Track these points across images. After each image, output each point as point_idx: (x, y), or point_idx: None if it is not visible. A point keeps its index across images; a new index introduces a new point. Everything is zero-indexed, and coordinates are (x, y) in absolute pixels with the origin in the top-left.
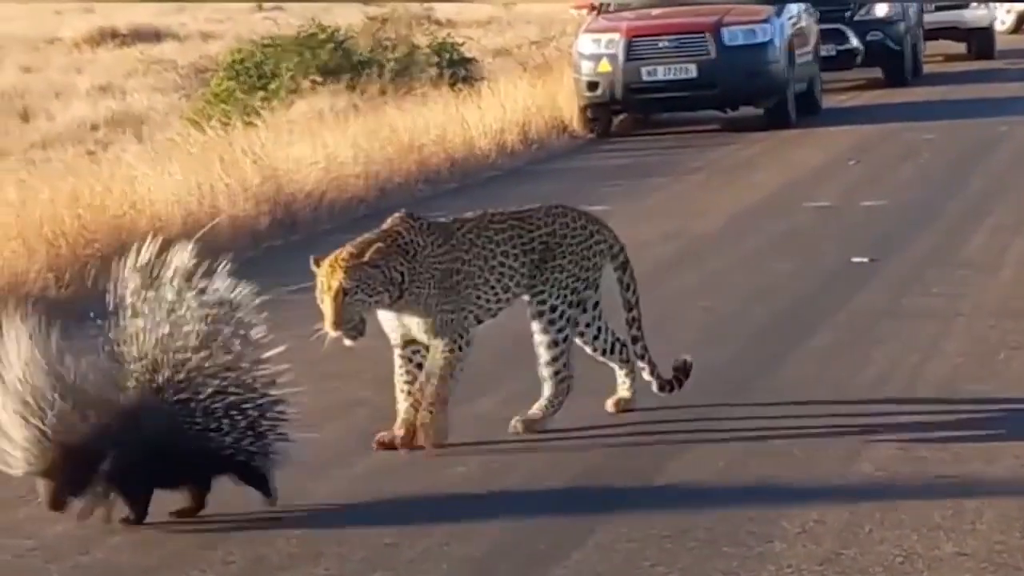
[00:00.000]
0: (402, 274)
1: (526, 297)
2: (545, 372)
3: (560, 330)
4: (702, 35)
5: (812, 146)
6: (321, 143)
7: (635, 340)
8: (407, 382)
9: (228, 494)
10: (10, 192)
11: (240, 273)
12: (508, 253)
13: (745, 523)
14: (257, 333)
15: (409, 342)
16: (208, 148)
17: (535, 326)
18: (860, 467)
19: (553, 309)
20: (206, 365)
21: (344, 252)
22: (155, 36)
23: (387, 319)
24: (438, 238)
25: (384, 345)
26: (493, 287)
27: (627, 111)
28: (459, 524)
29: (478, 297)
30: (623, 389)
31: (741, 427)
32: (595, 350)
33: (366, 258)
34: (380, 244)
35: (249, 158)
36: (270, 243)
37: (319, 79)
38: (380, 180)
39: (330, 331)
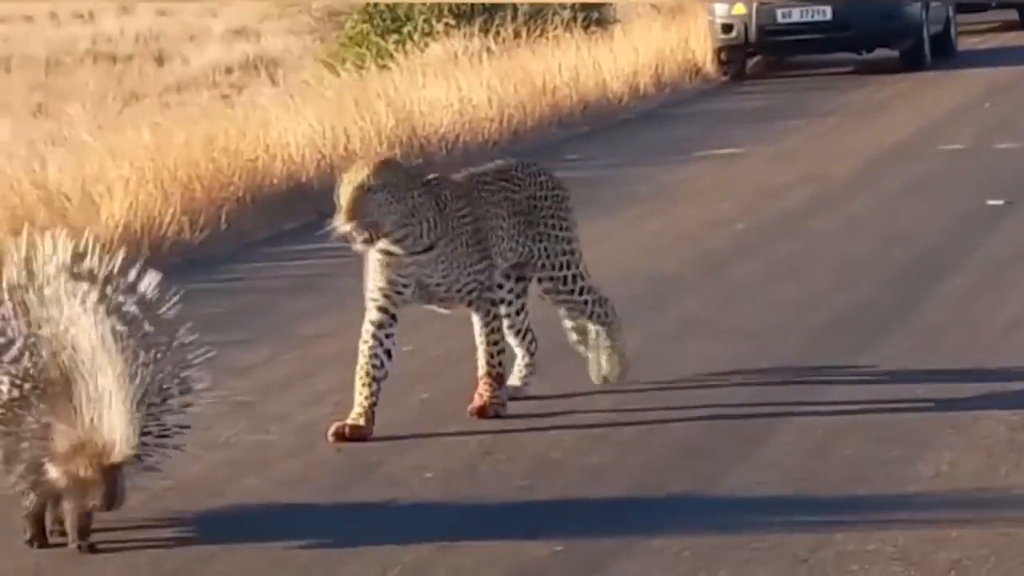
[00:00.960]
0: (433, 219)
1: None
2: (593, 326)
3: (581, 291)
4: None
5: (947, 89)
6: (455, 86)
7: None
8: (375, 367)
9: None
10: (145, 135)
11: None
12: (500, 215)
13: (878, 467)
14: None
15: (392, 321)
16: (342, 91)
17: (563, 307)
18: (994, 412)
19: (565, 280)
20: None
21: (375, 157)
22: None
23: (406, 278)
24: (458, 193)
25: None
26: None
27: (761, 53)
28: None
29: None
30: (517, 378)
31: (874, 371)
32: (510, 326)
33: (395, 160)
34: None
35: (383, 101)
36: None
37: (452, 22)
38: (513, 123)
39: (341, 223)
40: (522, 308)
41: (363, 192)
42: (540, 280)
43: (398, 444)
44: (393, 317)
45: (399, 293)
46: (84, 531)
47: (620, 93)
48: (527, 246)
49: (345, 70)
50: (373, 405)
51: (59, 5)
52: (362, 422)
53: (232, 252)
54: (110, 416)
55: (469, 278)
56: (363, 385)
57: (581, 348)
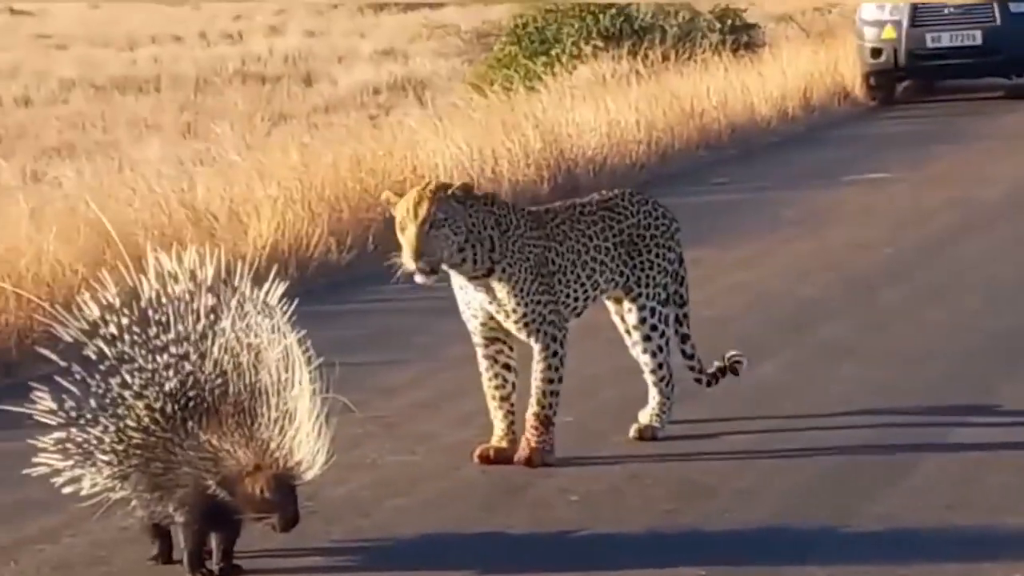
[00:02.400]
0: (492, 240)
1: (614, 299)
2: (651, 378)
3: (662, 334)
4: (988, 3)
5: None
6: (603, 108)
7: (684, 339)
8: (498, 387)
9: None
10: (293, 156)
11: None
12: (600, 247)
13: None
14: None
15: (493, 339)
16: (490, 113)
17: (636, 332)
18: None
19: (653, 312)
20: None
21: (433, 183)
22: (437, 2)
23: (472, 304)
24: (531, 222)
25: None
26: (584, 284)
27: (911, 78)
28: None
29: (568, 295)
30: (647, 416)
31: (1022, 398)
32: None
33: (455, 188)
34: (469, 183)
35: (531, 123)
36: None
37: (601, 44)
38: (661, 146)
39: (408, 263)
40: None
41: (427, 228)
42: (631, 309)
43: (544, 467)
44: (488, 340)
45: (475, 316)
46: (229, 553)
47: (768, 116)
48: (627, 274)
49: (493, 92)
50: (511, 424)
51: (209, 25)
52: (505, 444)
53: (379, 273)
54: (297, 435)
55: (528, 308)
56: (495, 408)
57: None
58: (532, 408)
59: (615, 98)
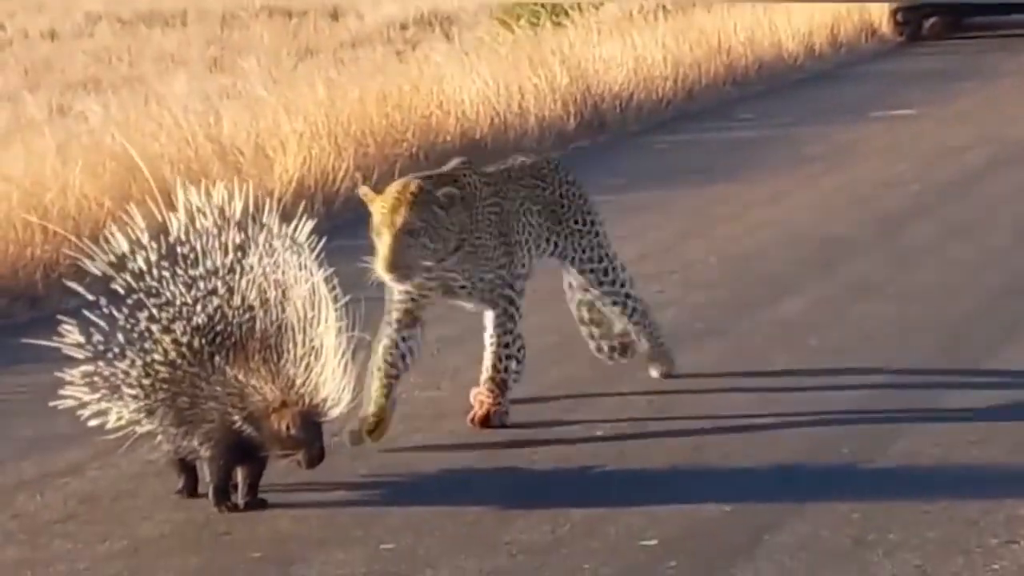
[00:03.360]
0: (461, 224)
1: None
2: (632, 326)
3: (613, 281)
4: None
5: None
6: (630, 44)
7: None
8: (392, 364)
9: None
10: (319, 91)
11: None
12: (531, 211)
13: None
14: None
15: (412, 323)
16: (517, 48)
17: (595, 291)
18: None
19: (605, 271)
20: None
21: (412, 185)
22: None
23: (431, 282)
24: (488, 185)
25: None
26: (527, 245)
27: (937, 14)
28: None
29: (520, 256)
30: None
31: None
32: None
33: (439, 195)
34: (453, 190)
35: (557, 58)
36: (577, 144)
37: None
38: (688, 82)
39: (382, 273)
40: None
41: (404, 237)
42: (581, 273)
43: (570, 403)
44: (415, 319)
45: (424, 296)
46: (255, 487)
47: (795, 53)
48: (558, 243)
49: (520, 27)
50: (388, 393)
51: None
52: (371, 423)
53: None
54: (323, 372)
55: (491, 274)
56: (379, 384)
57: (591, 342)
58: (488, 373)
59: (642, 34)
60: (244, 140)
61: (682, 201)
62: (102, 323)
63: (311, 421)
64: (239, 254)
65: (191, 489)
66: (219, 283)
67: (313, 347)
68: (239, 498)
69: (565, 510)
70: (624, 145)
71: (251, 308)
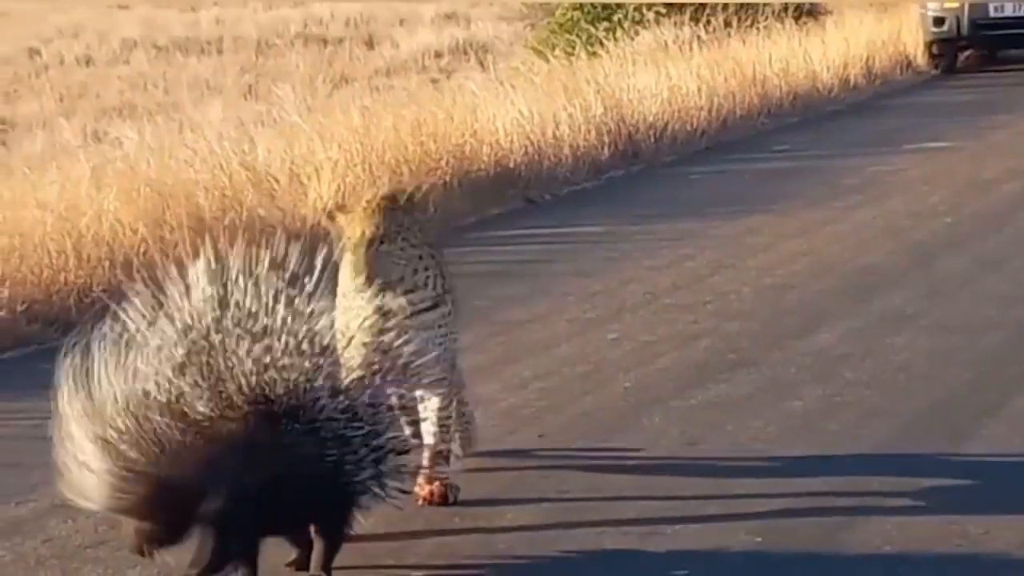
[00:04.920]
0: (437, 273)
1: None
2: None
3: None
4: None
5: None
6: (664, 74)
7: None
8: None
9: None
10: (354, 118)
11: (580, 202)
12: None
13: None
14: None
15: None
16: (551, 78)
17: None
18: None
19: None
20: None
21: (378, 197)
22: None
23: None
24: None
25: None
26: None
27: (973, 47)
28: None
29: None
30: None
31: None
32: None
33: (401, 203)
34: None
35: (592, 88)
36: (611, 173)
37: (663, 10)
38: (723, 113)
39: (361, 287)
40: None
41: (374, 245)
42: None
43: (600, 432)
44: None
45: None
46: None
47: (830, 84)
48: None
49: (555, 57)
50: None
51: None
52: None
53: (438, 236)
54: None
55: (448, 349)
56: None
57: None
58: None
59: (676, 64)
60: (278, 167)
61: (715, 231)
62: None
63: None
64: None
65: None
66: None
67: None
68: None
69: (596, 540)
70: (658, 175)
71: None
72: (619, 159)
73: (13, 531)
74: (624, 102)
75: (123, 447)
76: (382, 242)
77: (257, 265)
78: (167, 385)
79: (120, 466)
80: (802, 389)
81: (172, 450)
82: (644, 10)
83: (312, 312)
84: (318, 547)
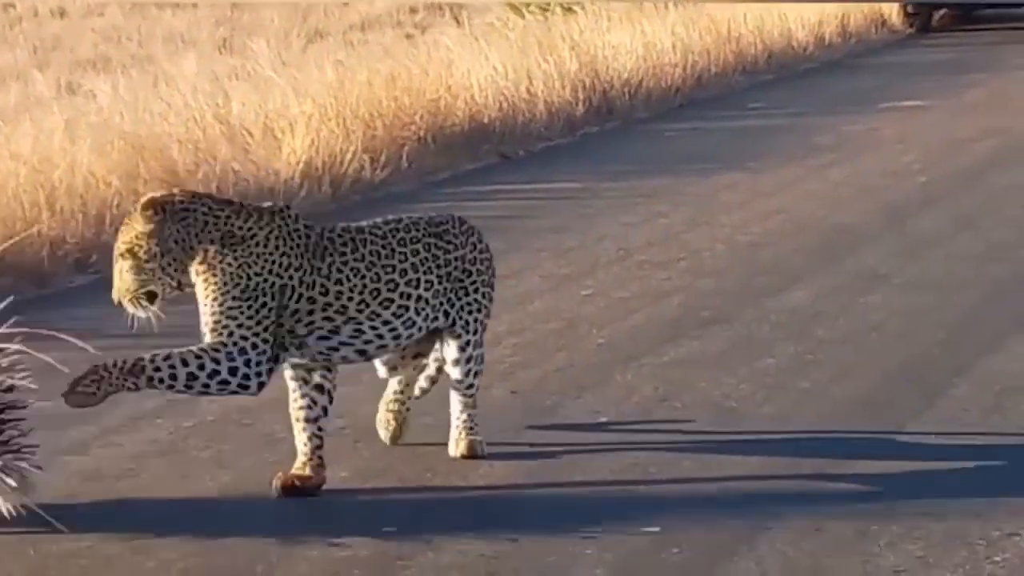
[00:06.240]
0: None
1: None
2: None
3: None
4: None
5: None
6: (639, 31)
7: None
8: (302, 408)
9: None
10: (328, 73)
11: (555, 158)
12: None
13: None
14: None
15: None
16: (526, 33)
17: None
18: None
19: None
20: None
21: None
22: None
23: None
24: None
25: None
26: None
27: (947, 6)
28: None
29: None
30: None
31: None
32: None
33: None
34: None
35: (567, 44)
36: (586, 130)
37: None
38: (697, 70)
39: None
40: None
41: (125, 261)
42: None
43: (574, 388)
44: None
45: None
46: None
47: (805, 42)
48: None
49: (530, 13)
50: (317, 449)
51: None
52: (308, 471)
53: (412, 191)
54: None
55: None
56: (298, 431)
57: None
58: None
59: (652, 21)
60: (253, 121)
61: (690, 189)
62: None
63: None
64: None
65: None
66: None
67: None
68: None
69: (569, 494)
70: (632, 132)
71: None
72: (594, 116)
73: None
74: (599, 59)
75: None
76: (124, 257)
77: None
78: None
79: None
80: (775, 347)
81: None
82: None
83: None
84: None
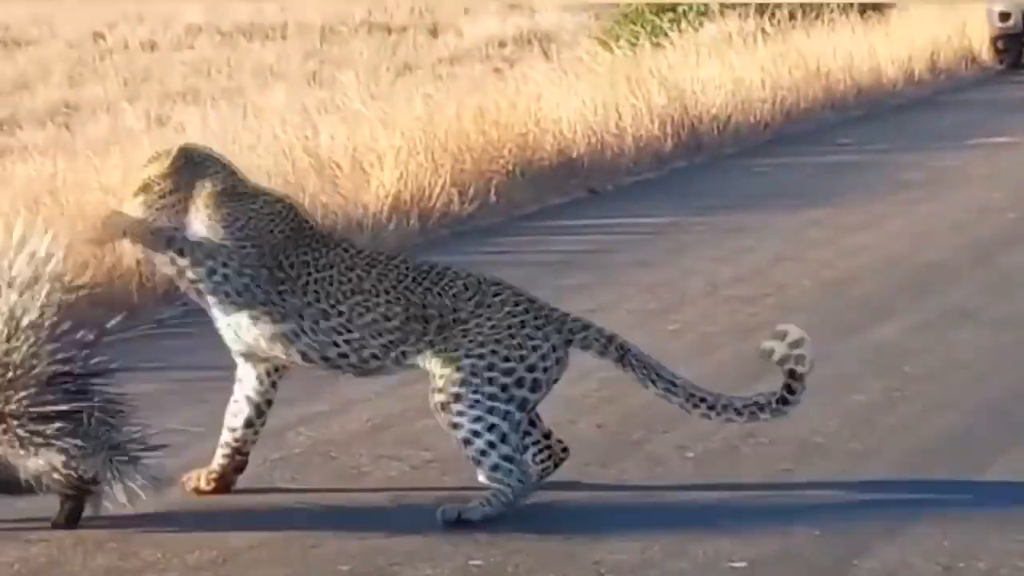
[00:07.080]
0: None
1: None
2: None
3: None
4: None
5: None
6: (728, 66)
7: None
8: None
9: None
10: (417, 106)
11: (643, 193)
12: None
13: None
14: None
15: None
16: (615, 68)
17: None
18: None
19: None
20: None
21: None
22: None
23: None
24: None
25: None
26: None
27: None
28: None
29: None
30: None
31: None
32: None
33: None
34: None
35: (655, 79)
36: (674, 164)
37: (727, 2)
38: (786, 105)
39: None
40: None
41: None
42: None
43: (661, 423)
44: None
45: None
46: None
47: (894, 78)
48: None
49: (619, 47)
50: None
51: None
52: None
53: (500, 225)
54: None
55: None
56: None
57: None
58: None
59: (741, 56)
60: (341, 154)
61: (778, 224)
62: None
63: None
64: None
65: None
66: None
67: None
68: None
69: (654, 530)
70: (720, 167)
71: None
72: (682, 150)
73: None
74: (688, 93)
75: None
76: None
77: None
78: None
79: None
80: (862, 383)
81: None
82: (709, 1)
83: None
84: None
